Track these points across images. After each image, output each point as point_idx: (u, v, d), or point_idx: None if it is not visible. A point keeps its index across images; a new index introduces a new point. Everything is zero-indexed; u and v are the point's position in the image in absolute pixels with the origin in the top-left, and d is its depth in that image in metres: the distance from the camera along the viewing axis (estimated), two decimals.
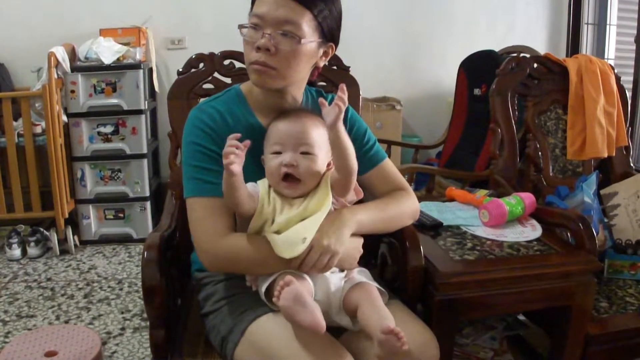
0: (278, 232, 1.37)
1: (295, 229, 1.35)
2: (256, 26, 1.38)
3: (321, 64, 1.52)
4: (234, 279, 1.47)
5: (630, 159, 2.51)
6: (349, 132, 1.50)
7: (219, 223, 1.40)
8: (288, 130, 1.38)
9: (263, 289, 1.37)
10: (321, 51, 1.48)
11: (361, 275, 1.44)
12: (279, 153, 1.37)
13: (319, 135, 1.40)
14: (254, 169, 1.44)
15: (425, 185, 3.04)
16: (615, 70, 2.50)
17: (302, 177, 1.37)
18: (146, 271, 1.45)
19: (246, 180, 1.38)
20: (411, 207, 1.57)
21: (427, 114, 4.39)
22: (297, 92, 1.53)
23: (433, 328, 1.43)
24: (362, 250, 1.47)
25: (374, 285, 1.40)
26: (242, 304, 1.42)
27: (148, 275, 1.44)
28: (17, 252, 3.45)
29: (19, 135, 3.41)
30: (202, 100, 1.61)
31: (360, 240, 1.47)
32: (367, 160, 1.58)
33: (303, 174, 1.37)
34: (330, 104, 1.37)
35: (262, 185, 1.42)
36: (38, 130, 3.45)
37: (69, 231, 3.51)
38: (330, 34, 1.47)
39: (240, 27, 1.40)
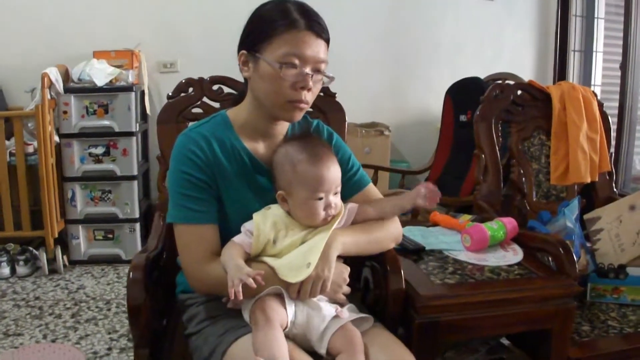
0: (279, 255, 1.41)
1: (299, 253, 1.40)
2: (294, 65, 1.41)
3: None
4: (216, 301, 1.49)
5: (614, 184, 2.55)
6: None
7: (206, 249, 1.45)
8: (328, 176, 1.43)
9: (246, 311, 1.39)
10: None
11: (351, 312, 1.46)
12: (321, 198, 1.43)
13: (339, 170, 1.49)
14: (247, 194, 1.51)
15: (411, 210, 3.07)
16: (601, 96, 2.55)
17: (337, 213, 1.46)
18: (131, 291, 1.47)
19: (240, 204, 1.48)
20: (394, 231, 1.60)
21: (416, 140, 4.45)
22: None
23: (414, 351, 1.44)
24: (347, 279, 1.48)
25: (359, 335, 1.40)
26: (223, 325, 1.44)
27: (133, 295, 1.47)
28: (6, 270, 3.47)
29: (11, 154, 3.44)
30: (190, 125, 1.64)
31: (347, 269, 1.49)
32: (352, 185, 1.62)
33: (338, 209, 1.46)
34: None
35: (262, 214, 1.46)
36: (30, 149, 3.48)
37: (58, 251, 3.53)
38: None
39: (282, 65, 1.40)
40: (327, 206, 1.42)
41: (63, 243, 3.67)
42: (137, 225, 3.70)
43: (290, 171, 1.44)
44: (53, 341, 2.71)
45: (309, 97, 1.45)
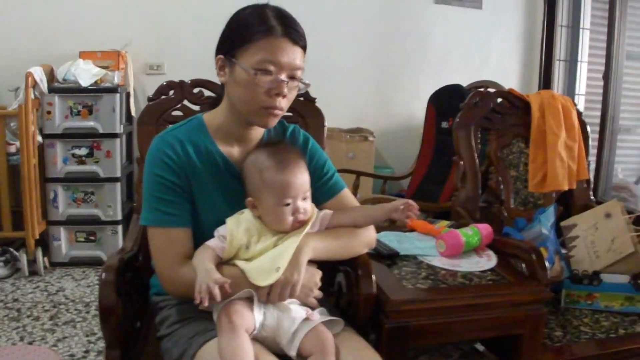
0: (251, 259, 1.43)
1: (269, 257, 1.41)
2: (269, 71, 1.42)
3: None
4: (188, 303, 1.50)
5: (593, 193, 2.57)
6: (309, 163, 1.58)
7: (179, 253, 1.46)
8: (295, 183, 1.44)
9: (216, 314, 1.40)
10: None
11: (322, 315, 1.46)
12: (288, 204, 1.44)
13: (308, 175, 1.50)
14: (220, 198, 1.52)
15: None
16: (585, 106, 2.57)
17: (307, 218, 1.47)
18: (103, 292, 1.47)
19: (213, 208, 1.50)
20: (367, 237, 1.61)
21: (400, 146, 4.47)
22: None
23: (384, 355, 1.45)
24: (319, 283, 1.49)
25: (330, 337, 1.41)
26: (194, 328, 1.45)
27: (105, 295, 1.47)
28: None
29: None
30: (167, 128, 1.65)
31: (318, 273, 1.50)
32: (327, 190, 1.63)
33: (307, 215, 1.47)
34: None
35: (235, 219, 1.47)
36: (12, 149, 3.47)
37: (39, 252, 3.52)
38: None
39: (257, 71, 1.41)
40: (295, 212, 1.44)
41: (44, 244, 3.65)
42: (119, 228, 3.69)
43: (258, 178, 1.45)
44: (30, 343, 2.70)
45: (284, 103, 1.46)
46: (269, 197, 1.43)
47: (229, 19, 1.49)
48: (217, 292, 1.29)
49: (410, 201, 1.48)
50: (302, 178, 1.46)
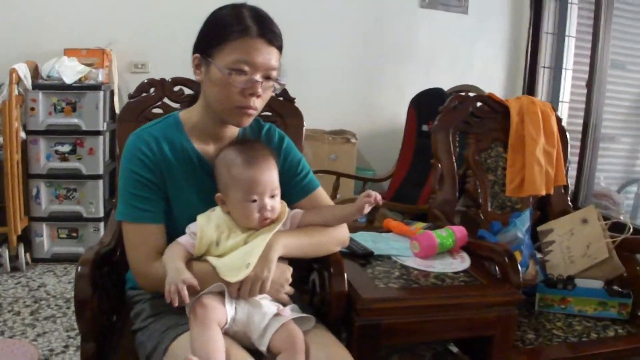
0: (222, 255, 1.44)
1: (239, 254, 1.43)
2: (243, 71, 1.43)
3: None
4: (161, 298, 1.50)
5: (570, 199, 2.59)
6: (283, 162, 1.61)
7: (151, 248, 1.48)
8: (261, 179, 1.46)
9: (188, 308, 1.41)
10: None
11: (293, 312, 1.48)
12: (254, 200, 1.45)
13: (277, 174, 1.51)
14: (194, 194, 1.54)
15: (366, 217, 3.11)
16: (569, 113, 2.59)
17: (275, 216, 1.49)
18: (78, 285, 1.49)
19: (187, 205, 1.52)
20: (339, 235, 1.63)
21: (383, 148, 4.48)
22: None
23: (355, 353, 1.47)
24: (290, 279, 1.51)
25: (300, 334, 1.42)
26: (167, 322, 1.46)
27: (80, 289, 1.48)
28: None
29: None
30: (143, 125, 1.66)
31: (289, 270, 1.52)
32: (301, 189, 1.64)
33: (275, 212, 1.48)
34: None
35: (206, 216, 1.49)
36: None
37: (21, 248, 3.51)
38: None
39: (232, 71, 1.43)
40: (262, 208, 1.45)
41: (26, 240, 3.65)
42: (101, 225, 3.69)
43: (226, 174, 1.47)
44: (10, 338, 2.70)
45: (258, 103, 1.48)
46: (236, 193, 1.45)
47: (207, 18, 1.50)
48: (185, 293, 1.31)
49: (370, 192, 1.50)
50: (269, 175, 1.47)
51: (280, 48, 1.49)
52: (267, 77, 1.46)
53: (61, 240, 3.72)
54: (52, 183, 3.64)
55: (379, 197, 1.50)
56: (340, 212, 1.59)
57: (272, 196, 1.48)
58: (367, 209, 1.51)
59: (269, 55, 1.44)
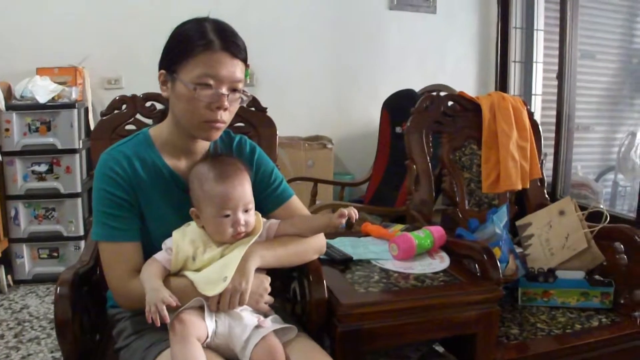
0: (199, 270, 1.44)
1: (216, 267, 1.43)
2: (208, 85, 1.43)
3: None
4: (142, 315, 1.50)
5: (545, 191, 2.62)
6: (256, 173, 1.62)
7: (128, 266, 1.48)
8: (233, 194, 1.45)
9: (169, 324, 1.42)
10: None
11: (274, 323, 1.48)
12: (227, 215, 1.45)
13: (250, 188, 1.51)
14: (169, 210, 1.54)
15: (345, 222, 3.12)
16: (542, 105, 2.61)
17: (250, 229, 1.49)
18: (58, 306, 1.49)
19: (162, 221, 1.52)
20: (316, 243, 1.63)
21: (359, 152, 4.49)
22: None
23: (337, 359, 1.48)
24: (268, 288, 1.52)
25: (280, 348, 1.42)
26: (149, 339, 1.46)
27: (60, 310, 1.48)
28: None
29: None
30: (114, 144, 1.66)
31: (267, 279, 1.53)
32: (274, 199, 1.65)
33: (250, 226, 1.48)
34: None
35: (181, 231, 1.49)
36: None
37: (2, 270, 3.48)
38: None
39: (181, 82, 1.44)
40: (235, 223, 1.45)
41: (7, 262, 3.61)
42: (82, 243, 3.66)
43: (199, 189, 1.47)
44: None
45: (226, 116, 1.48)
46: (209, 208, 1.45)
47: (171, 33, 1.51)
48: (165, 313, 1.31)
49: (348, 210, 1.50)
50: (242, 189, 1.47)
51: (244, 60, 1.49)
52: (233, 90, 1.47)
53: (42, 261, 3.69)
54: (31, 203, 3.62)
55: (354, 214, 1.50)
56: (316, 224, 1.59)
57: (246, 210, 1.48)
58: (343, 223, 1.51)
59: (233, 68, 1.45)
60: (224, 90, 1.44)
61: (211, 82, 1.43)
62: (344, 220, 1.49)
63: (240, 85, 1.48)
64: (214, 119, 1.46)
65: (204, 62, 1.42)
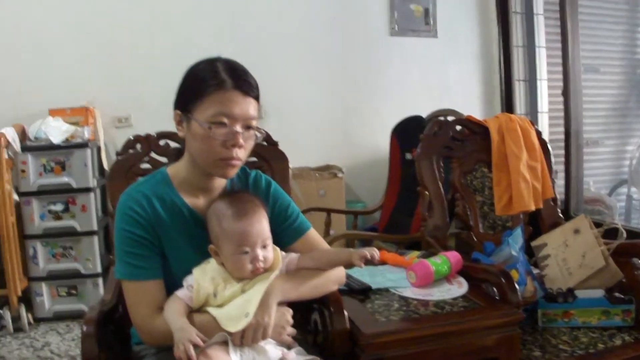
0: (222, 305, 1.47)
1: (237, 303, 1.45)
2: (223, 124, 1.47)
3: None
4: (167, 351, 1.52)
5: (560, 208, 2.62)
6: (272, 208, 1.64)
7: (151, 303, 1.50)
8: (251, 231, 1.48)
9: None
10: None
11: (298, 355, 1.50)
12: (246, 252, 1.47)
13: (267, 224, 1.53)
14: (189, 248, 1.56)
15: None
16: (550, 122, 2.61)
17: (268, 265, 1.51)
18: (85, 345, 1.50)
19: (183, 258, 1.54)
20: (335, 275, 1.65)
21: (370, 180, 4.51)
22: None
23: None
24: (290, 320, 1.53)
25: None
26: None
27: (87, 348, 1.50)
28: None
29: None
30: (132, 184, 1.69)
31: (289, 311, 1.54)
32: (292, 232, 1.68)
33: (268, 262, 1.51)
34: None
35: (201, 269, 1.51)
36: None
37: (23, 309, 3.50)
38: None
39: (197, 121, 1.47)
40: (254, 260, 1.47)
41: (27, 301, 3.63)
42: (100, 280, 3.69)
43: (217, 226, 1.50)
44: None
45: (241, 153, 1.51)
46: (228, 245, 1.47)
47: (184, 74, 1.55)
48: (192, 353, 1.33)
49: (374, 251, 1.53)
50: (260, 226, 1.50)
51: (257, 98, 1.53)
52: (248, 127, 1.50)
53: (61, 298, 3.72)
54: (48, 242, 3.65)
55: (376, 255, 1.53)
56: (335, 259, 1.62)
57: (264, 246, 1.50)
58: (362, 265, 1.54)
59: (246, 106, 1.49)
60: (238, 128, 1.47)
61: (225, 120, 1.46)
62: (363, 263, 1.52)
63: (254, 123, 1.52)
64: (229, 156, 1.49)
65: (218, 101, 1.46)
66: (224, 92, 1.46)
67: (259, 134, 1.55)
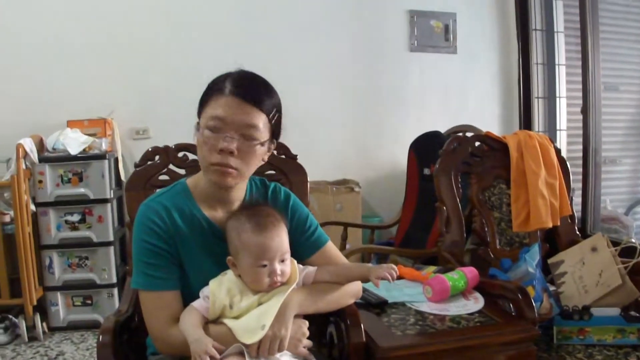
0: (238, 317, 1.47)
1: (254, 315, 1.45)
2: (215, 128, 1.47)
3: (265, 159, 1.61)
4: None
5: (578, 227, 2.61)
6: (291, 220, 1.63)
7: (168, 314, 1.50)
8: (271, 245, 1.47)
9: None
10: (268, 147, 1.58)
11: None
12: (264, 265, 1.47)
13: (286, 238, 1.52)
14: (207, 259, 1.57)
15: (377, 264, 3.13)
16: (568, 140, 2.62)
17: (285, 279, 1.50)
18: (101, 354, 1.52)
19: (200, 269, 1.54)
20: (352, 289, 1.65)
21: (387, 194, 4.51)
22: (242, 186, 1.63)
23: None
24: (307, 333, 1.53)
25: None
26: None
27: (103, 358, 1.51)
28: None
29: None
30: (152, 195, 1.69)
31: (305, 324, 1.54)
32: (310, 245, 1.68)
33: (285, 276, 1.50)
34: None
35: (217, 281, 1.51)
36: (7, 219, 3.51)
37: (38, 318, 3.52)
38: (277, 130, 1.59)
39: (200, 128, 1.49)
40: (272, 273, 1.47)
41: (42, 310, 3.65)
42: (115, 291, 3.71)
43: (236, 239, 1.49)
44: None
45: (235, 162, 1.49)
46: (247, 258, 1.47)
47: None
48: None
49: (388, 270, 1.53)
50: (279, 240, 1.49)
51: (261, 109, 1.49)
52: (247, 136, 1.48)
53: (76, 308, 3.73)
54: (64, 252, 3.67)
55: (394, 275, 1.54)
56: (353, 275, 1.62)
57: (282, 260, 1.50)
58: (379, 285, 1.54)
59: (242, 114, 1.47)
60: (231, 134, 1.46)
61: (219, 124, 1.46)
62: (379, 284, 1.52)
63: (256, 134, 1.49)
64: (218, 162, 1.47)
65: (214, 106, 1.47)
66: (220, 97, 1.47)
67: (263, 148, 1.53)
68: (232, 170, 1.49)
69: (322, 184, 4.21)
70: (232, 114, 1.46)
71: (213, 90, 1.49)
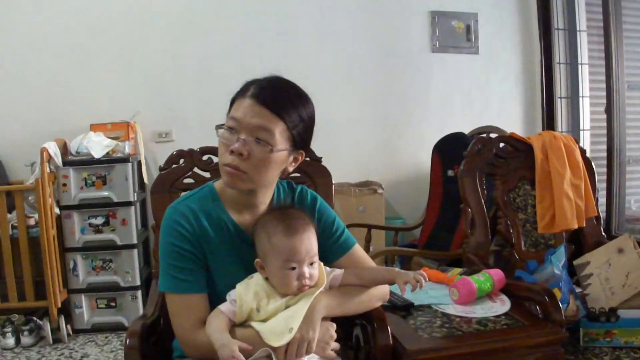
0: (265, 320, 1.46)
1: (281, 318, 1.45)
2: (232, 129, 1.47)
3: (290, 169, 1.60)
4: None
5: (603, 228, 2.59)
6: (318, 222, 1.62)
7: (195, 317, 1.50)
8: (301, 248, 1.47)
9: None
10: (291, 158, 1.56)
11: None
12: (293, 268, 1.47)
13: (315, 241, 1.52)
14: (234, 263, 1.57)
15: (401, 266, 3.12)
16: (591, 140, 2.60)
17: (313, 283, 1.50)
18: (128, 358, 1.53)
19: (227, 273, 1.54)
20: (379, 292, 1.64)
21: (410, 196, 4.49)
22: (268, 191, 1.62)
23: None
24: (334, 335, 1.53)
25: None
26: None
27: None
28: (10, 341, 3.48)
29: (13, 227, 3.49)
30: (180, 196, 1.70)
31: (332, 326, 1.54)
32: (337, 248, 1.67)
33: (314, 280, 1.50)
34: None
35: (244, 284, 1.51)
36: (31, 222, 3.53)
37: (62, 320, 3.55)
38: (301, 141, 1.55)
39: (218, 127, 1.49)
40: (301, 276, 1.46)
41: (66, 312, 3.68)
42: (139, 293, 3.73)
43: (266, 241, 1.49)
44: None
45: (244, 165, 1.47)
46: (276, 260, 1.47)
47: None
48: None
49: (417, 277, 1.51)
50: (309, 243, 1.49)
51: (283, 118, 1.47)
52: (261, 142, 1.46)
53: (100, 311, 3.76)
54: (88, 255, 3.70)
55: (423, 281, 1.51)
56: (380, 278, 1.62)
57: (311, 263, 1.49)
58: (405, 291, 1.53)
59: (256, 117, 1.45)
60: (243, 135, 1.45)
61: (235, 125, 1.46)
62: (406, 290, 1.51)
63: (269, 139, 1.46)
64: (226, 162, 1.47)
65: (235, 107, 1.49)
66: (243, 99, 1.47)
67: (280, 155, 1.50)
68: (240, 173, 1.48)
69: (345, 185, 4.21)
70: (247, 116, 1.45)
71: (240, 92, 1.50)
